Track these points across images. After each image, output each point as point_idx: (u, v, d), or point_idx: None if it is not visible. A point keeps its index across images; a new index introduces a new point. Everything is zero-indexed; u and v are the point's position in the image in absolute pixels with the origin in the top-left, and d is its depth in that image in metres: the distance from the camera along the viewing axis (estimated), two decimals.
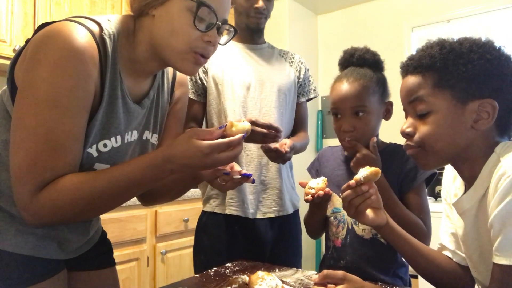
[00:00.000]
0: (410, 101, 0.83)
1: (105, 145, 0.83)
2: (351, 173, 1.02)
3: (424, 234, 1.03)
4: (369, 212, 0.89)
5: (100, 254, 1.04)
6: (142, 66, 0.87)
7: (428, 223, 1.06)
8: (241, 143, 0.79)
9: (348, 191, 0.87)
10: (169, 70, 1.01)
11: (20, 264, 0.80)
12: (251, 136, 1.12)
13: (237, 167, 0.92)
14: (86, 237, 0.95)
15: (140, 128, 0.92)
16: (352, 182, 0.86)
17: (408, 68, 0.85)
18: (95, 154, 0.81)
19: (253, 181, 0.94)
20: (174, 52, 0.82)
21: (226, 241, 1.38)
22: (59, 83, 0.71)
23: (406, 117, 0.87)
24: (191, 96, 1.42)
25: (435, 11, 3.17)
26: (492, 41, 0.81)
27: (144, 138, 0.94)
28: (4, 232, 0.79)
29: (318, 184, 1.04)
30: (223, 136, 0.79)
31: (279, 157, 1.23)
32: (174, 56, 0.82)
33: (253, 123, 1.13)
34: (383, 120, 1.18)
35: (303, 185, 1.08)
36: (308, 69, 1.61)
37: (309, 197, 1.03)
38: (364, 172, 0.86)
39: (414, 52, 0.87)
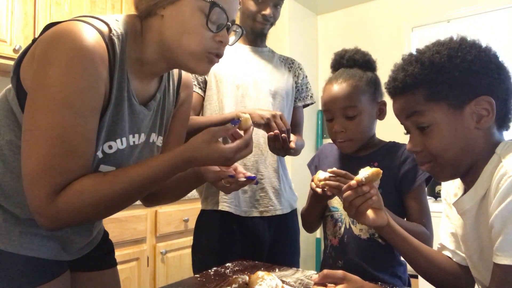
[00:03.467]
0: (408, 115, 0.83)
1: (110, 147, 0.83)
2: (349, 171, 1.02)
3: (427, 240, 1.02)
4: (369, 213, 0.88)
5: (102, 254, 1.04)
6: (150, 67, 0.87)
7: (429, 226, 1.06)
8: (252, 138, 0.85)
9: (349, 192, 0.86)
10: (175, 71, 1.01)
11: (24, 265, 0.80)
12: (272, 125, 1.18)
13: (240, 168, 0.97)
14: (89, 237, 0.95)
15: (147, 131, 0.92)
16: (353, 182, 0.86)
17: (395, 90, 0.84)
18: (100, 155, 0.81)
19: (257, 183, 0.97)
20: (186, 53, 0.81)
21: (224, 240, 1.38)
22: (70, 84, 0.71)
23: (407, 132, 0.86)
24: (193, 88, 1.42)
25: (435, 11, 3.17)
26: (465, 39, 0.80)
27: (150, 141, 0.94)
28: (9, 234, 0.79)
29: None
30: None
31: (283, 149, 1.23)
32: (186, 57, 0.82)
33: (281, 117, 1.21)
34: (381, 119, 1.18)
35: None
36: (306, 76, 1.63)
37: (319, 189, 1.03)
38: (365, 172, 0.86)
39: (394, 69, 0.85)
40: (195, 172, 0.96)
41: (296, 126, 1.58)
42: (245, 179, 0.95)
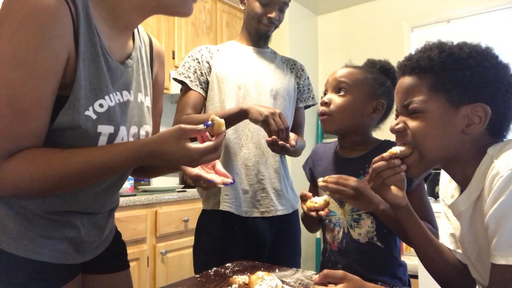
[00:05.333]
0: (404, 105, 0.83)
1: (101, 105, 0.79)
2: (343, 172, 1.02)
3: (435, 236, 1.02)
4: (393, 188, 0.88)
5: (115, 256, 1.01)
6: (123, 20, 0.84)
7: (435, 223, 1.05)
8: (223, 143, 0.83)
9: (381, 162, 0.85)
10: (145, 40, 0.99)
11: (34, 270, 0.78)
12: (270, 122, 1.17)
13: (218, 166, 0.99)
14: (101, 237, 0.93)
15: (131, 89, 0.89)
16: (386, 154, 0.85)
17: (405, 68, 0.85)
18: (93, 116, 0.78)
19: (233, 183, 0.99)
20: None
21: (225, 240, 1.39)
22: (23, 42, 0.67)
23: (397, 117, 0.87)
24: (195, 88, 1.43)
25: (435, 11, 3.18)
26: (491, 48, 0.81)
27: (139, 100, 0.92)
28: (21, 237, 0.76)
29: (321, 200, 1.07)
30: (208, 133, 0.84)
31: (283, 149, 1.23)
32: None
33: (279, 115, 1.20)
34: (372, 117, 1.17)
35: (304, 197, 1.10)
36: (308, 77, 1.63)
37: (313, 213, 1.05)
38: (400, 147, 0.84)
39: (413, 52, 0.87)
40: None
41: (297, 127, 1.58)
42: (222, 185, 0.96)
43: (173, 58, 2.80)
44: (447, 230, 0.96)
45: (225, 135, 0.84)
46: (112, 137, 0.81)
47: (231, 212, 1.37)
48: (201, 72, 1.45)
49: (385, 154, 0.85)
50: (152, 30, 2.65)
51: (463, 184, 0.81)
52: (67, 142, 0.76)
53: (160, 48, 1.05)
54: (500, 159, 0.72)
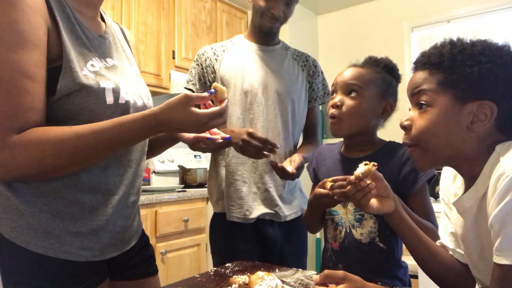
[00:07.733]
0: (414, 93, 0.84)
1: (92, 65, 0.81)
2: (348, 173, 1.02)
3: (435, 237, 1.02)
4: (373, 202, 0.90)
5: (143, 260, 1.00)
6: None
7: (436, 224, 1.06)
8: (227, 110, 0.86)
9: (349, 187, 0.90)
10: (115, 26, 1.00)
11: (65, 272, 0.77)
12: (246, 148, 1.18)
13: (214, 130, 0.99)
14: (128, 227, 0.92)
15: (114, 57, 0.90)
16: (352, 177, 0.89)
17: (418, 64, 0.86)
18: (91, 74, 0.79)
19: (229, 138, 1.00)
20: None
21: (237, 242, 1.39)
22: None
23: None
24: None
25: (435, 11, 3.17)
26: (508, 46, 0.80)
27: (125, 67, 0.93)
28: (47, 235, 0.76)
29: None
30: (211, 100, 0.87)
31: (287, 176, 1.24)
32: None
33: (250, 134, 1.18)
34: (382, 118, 1.17)
35: (324, 184, 1.06)
36: (322, 72, 1.59)
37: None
38: (362, 168, 0.88)
39: (415, 52, 0.88)
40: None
41: (311, 127, 1.57)
42: (222, 140, 0.97)
43: (173, 58, 2.79)
44: (447, 229, 0.96)
45: (228, 102, 0.87)
46: (116, 91, 0.82)
47: (239, 222, 1.38)
48: (205, 81, 1.45)
49: (351, 178, 0.89)
50: (152, 30, 2.65)
51: (471, 181, 0.81)
52: (76, 108, 0.76)
53: (130, 33, 1.07)
54: (506, 157, 0.71)
